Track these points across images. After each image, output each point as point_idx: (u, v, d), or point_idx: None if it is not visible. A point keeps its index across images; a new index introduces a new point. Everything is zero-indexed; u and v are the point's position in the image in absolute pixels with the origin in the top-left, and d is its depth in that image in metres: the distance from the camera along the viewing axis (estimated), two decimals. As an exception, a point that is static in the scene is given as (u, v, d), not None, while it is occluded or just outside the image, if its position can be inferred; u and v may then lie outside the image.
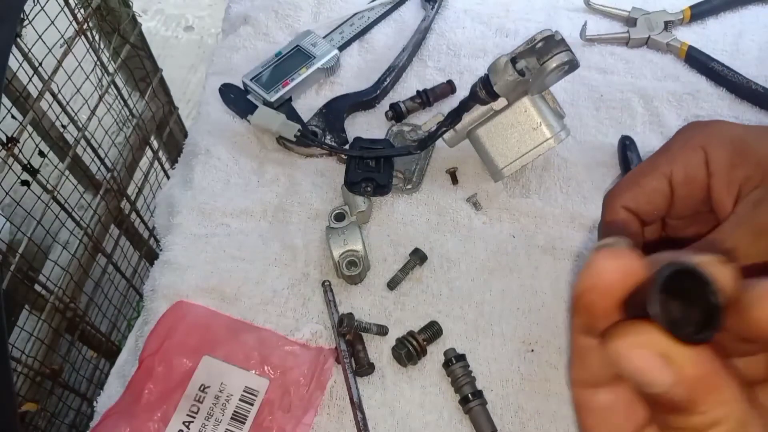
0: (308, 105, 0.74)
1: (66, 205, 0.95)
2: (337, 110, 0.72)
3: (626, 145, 0.67)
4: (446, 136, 0.64)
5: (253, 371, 0.57)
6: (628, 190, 0.44)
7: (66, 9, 0.88)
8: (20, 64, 0.85)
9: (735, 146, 0.41)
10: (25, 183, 0.86)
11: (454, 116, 0.62)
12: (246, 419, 0.54)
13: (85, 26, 0.91)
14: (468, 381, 0.54)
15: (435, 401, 0.55)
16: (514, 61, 0.56)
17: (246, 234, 0.65)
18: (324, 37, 0.77)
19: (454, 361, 0.55)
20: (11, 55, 0.66)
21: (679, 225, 0.46)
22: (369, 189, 0.64)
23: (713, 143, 0.41)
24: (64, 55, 0.87)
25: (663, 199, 0.43)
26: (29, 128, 0.87)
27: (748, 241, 0.37)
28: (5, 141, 0.79)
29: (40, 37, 0.82)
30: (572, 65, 0.58)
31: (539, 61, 0.56)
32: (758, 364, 0.24)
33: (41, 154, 0.93)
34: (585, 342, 0.24)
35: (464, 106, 0.61)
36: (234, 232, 0.65)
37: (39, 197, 0.89)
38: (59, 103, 0.93)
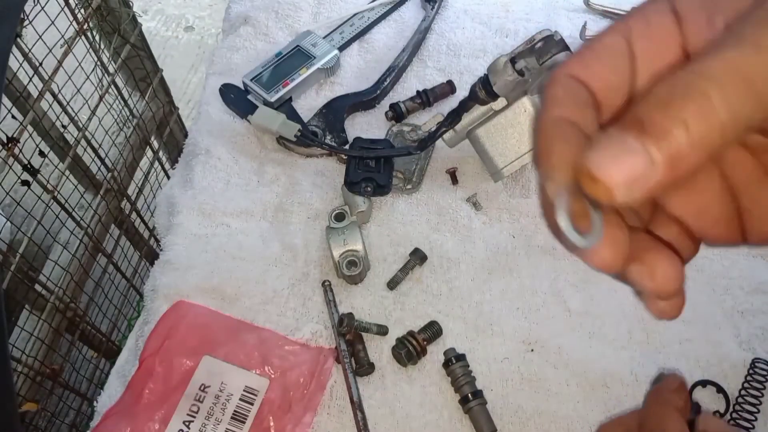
0: (308, 105, 0.74)
1: (66, 205, 0.95)
2: (337, 110, 0.72)
3: (626, 145, 0.67)
4: (446, 136, 0.64)
5: (254, 371, 0.57)
6: (577, 55, 0.30)
7: (66, 9, 0.88)
8: (20, 64, 0.85)
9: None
10: (25, 183, 0.86)
11: (454, 116, 0.62)
12: (246, 419, 0.55)
13: (85, 26, 0.91)
14: (468, 381, 0.54)
15: (435, 401, 0.55)
16: (513, 61, 0.56)
17: (246, 234, 0.65)
18: (324, 38, 0.77)
19: (454, 361, 0.55)
20: (11, 55, 0.66)
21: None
22: (369, 189, 0.64)
23: None
24: (65, 55, 0.87)
25: (621, 60, 0.27)
26: (29, 128, 0.87)
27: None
28: (5, 141, 0.79)
29: (40, 37, 0.82)
30: (572, 65, 0.58)
31: (539, 61, 0.56)
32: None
33: (41, 154, 0.93)
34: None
35: (464, 106, 0.61)
36: (234, 232, 0.65)
37: (39, 197, 0.89)
38: (59, 103, 0.93)
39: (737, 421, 0.52)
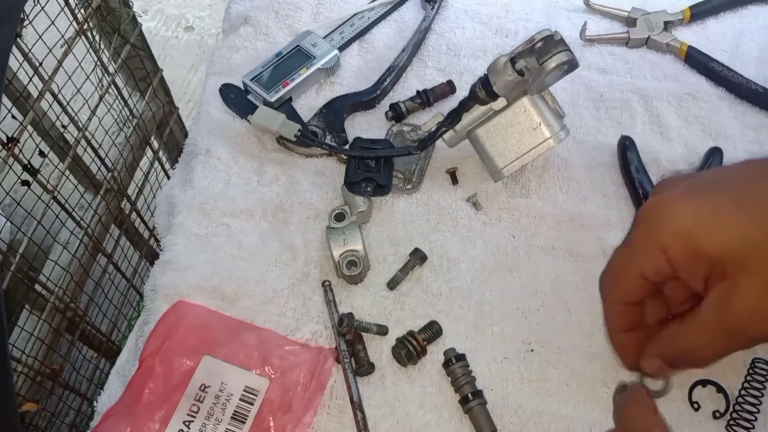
0: (308, 105, 0.74)
1: (66, 205, 0.95)
2: (337, 110, 0.72)
3: (626, 146, 0.67)
4: (446, 136, 0.64)
5: (254, 371, 0.57)
6: (613, 292, 0.49)
7: (66, 9, 0.88)
8: (20, 64, 0.85)
9: (688, 246, 0.42)
10: (25, 183, 0.86)
11: (454, 116, 0.62)
12: (246, 419, 0.55)
13: (85, 26, 0.92)
14: (468, 381, 0.54)
15: (435, 401, 0.55)
16: (513, 61, 0.56)
17: (246, 234, 0.65)
18: (324, 38, 0.77)
19: (454, 361, 0.55)
20: (11, 55, 0.66)
21: (674, 297, 0.50)
22: (369, 189, 0.64)
23: (669, 245, 0.43)
24: (65, 55, 0.87)
25: (646, 290, 0.47)
26: (29, 128, 0.87)
27: (709, 343, 0.44)
28: (5, 141, 0.79)
29: (40, 37, 0.82)
30: (571, 65, 0.58)
31: (538, 61, 0.56)
32: None
33: (41, 154, 0.93)
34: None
35: (464, 106, 0.61)
36: (234, 232, 0.65)
37: (39, 197, 0.89)
38: (59, 103, 0.93)
39: (737, 421, 0.52)
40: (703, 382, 0.55)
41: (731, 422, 0.53)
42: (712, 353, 0.44)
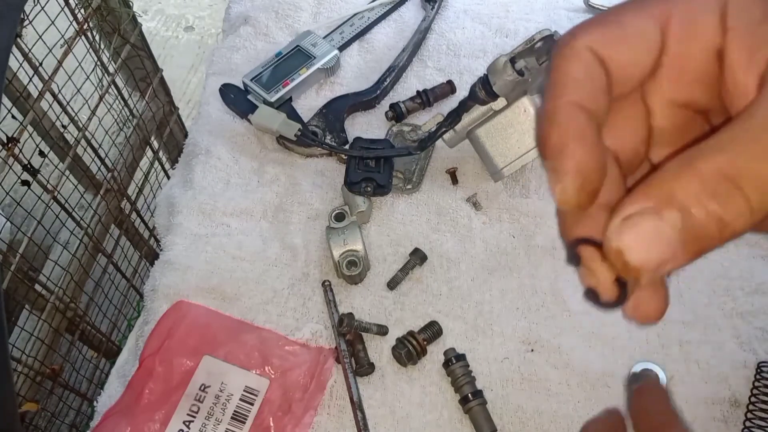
0: (308, 105, 0.74)
1: (66, 205, 0.95)
2: (337, 110, 0.72)
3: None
4: (446, 136, 0.64)
5: (254, 371, 0.57)
6: (602, 28, 0.25)
7: (66, 9, 0.88)
8: (20, 64, 0.85)
9: None
10: (25, 183, 0.86)
11: (454, 116, 0.62)
12: (246, 419, 0.55)
13: (85, 26, 0.91)
14: (468, 381, 0.54)
15: (435, 401, 0.55)
16: (513, 61, 0.56)
17: (246, 234, 0.65)
18: (324, 38, 0.77)
19: (454, 361, 0.55)
20: (11, 55, 0.66)
21: (659, 137, 0.28)
22: (369, 189, 0.64)
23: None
24: (65, 55, 0.87)
25: (649, 51, 0.25)
26: (29, 128, 0.87)
27: None
28: (5, 141, 0.79)
29: (40, 37, 0.82)
30: (572, 65, 0.57)
31: (538, 60, 0.56)
32: None
33: (41, 154, 0.93)
34: None
35: (464, 107, 0.61)
36: (234, 232, 0.65)
37: (39, 197, 0.89)
38: (59, 103, 0.93)
39: (751, 429, 0.52)
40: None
41: (745, 430, 0.52)
42: None
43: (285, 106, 0.72)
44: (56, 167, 0.93)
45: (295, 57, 0.75)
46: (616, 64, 0.24)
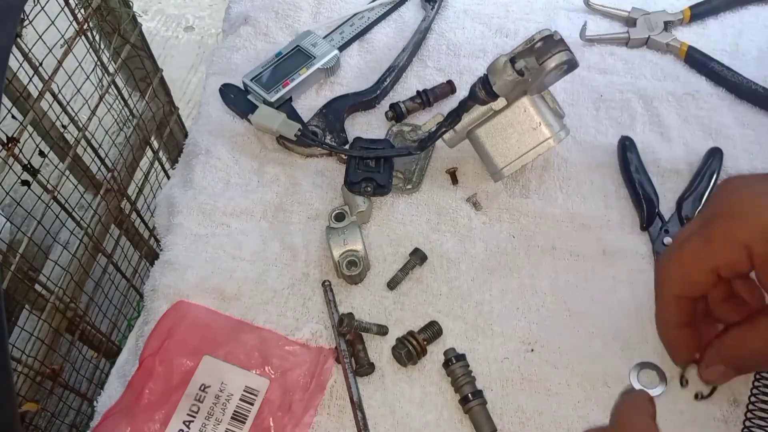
0: (308, 105, 0.74)
1: (66, 205, 0.95)
2: (337, 110, 0.72)
3: (626, 146, 0.67)
4: (446, 136, 0.64)
5: (254, 371, 0.57)
6: (679, 282, 0.48)
7: (66, 9, 0.88)
8: (20, 64, 0.85)
9: None
10: (25, 183, 0.86)
11: (454, 116, 0.62)
12: (246, 419, 0.55)
13: (85, 26, 0.92)
14: (468, 381, 0.54)
15: (435, 401, 0.55)
16: (513, 61, 0.56)
17: (246, 234, 0.65)
18: (324, 38, 0.77)
19: (454, 361, 0.55)
20: (11, 55, 0.66)
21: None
22: (369, 189, 0.64)
23: (755, 240, 0.43)
24: (65, 55, 0.87)
25: (709, 287, 0.47)
26: (29, 128, 0.87)
27: None
28: (5, 141, 0.79)
29: (40, 37, 0.82)
30: (571, 65, 0.58)
31: (538, 60, 0.56)
32: None
33: (41, 154, 0.93)
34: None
35: (464, 107, 0.61)
36: (234, 232, 0.65)
37: (39, 197, 0.89)
38: (59, 103, 0.93)
39: (751, 429, 0.52)
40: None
41: (745, 430, 0.52)
42: None
43: (285, 106, 0.72)
44: (56, 167, 0.93)
45: (295, 57, 0.75)
46: (691, 296, 0.50)
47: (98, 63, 0.98)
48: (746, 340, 0.47)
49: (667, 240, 0.62)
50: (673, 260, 0.48)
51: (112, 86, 1.02)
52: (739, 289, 0.49)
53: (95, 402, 0.59)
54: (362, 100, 0.73)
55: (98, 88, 0.99)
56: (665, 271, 0.49)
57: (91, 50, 0.96)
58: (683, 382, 0.54)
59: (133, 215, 1.20)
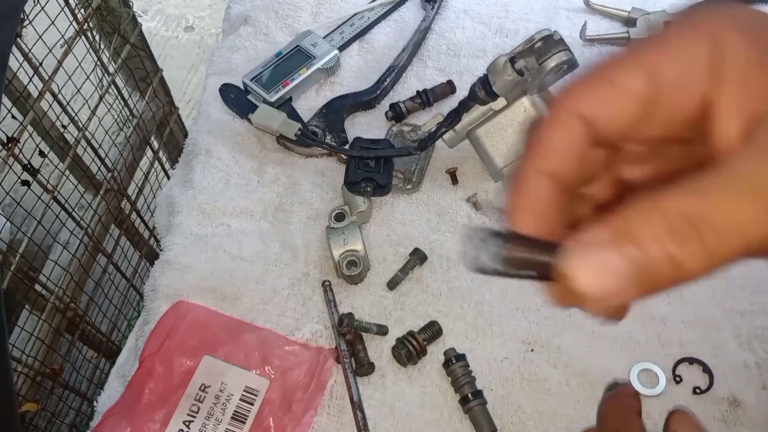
0: (308, 105, 0.74)
1: (66, 205, 0.95)
2: (337, 110, 0.72)
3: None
4: (446, 136, 0.64)
5: (254, 371, 0.57)
6: (592, 87, 0.26)
7: (66, 9, 0.88)
8: (20, 64, 0.85)
9: (764, 40, 0.23)
10: (25, 183, 0.86)
11: (454, 116, 0.62)
12: (246, 419, 0.55)
13: (85, 26, 0.92)
14: (468, 381, 0.54)
15: (435, 401, 0.55)
16: (513, 60, 0.56)
17: (246, 234, 0.65)
18: (324, 38, 0.77)
19: (454, 361, 0.55)
20: (11, 55, 0.66)
21: (634, 156, 0.29)
22: (369, 189, 0.64)
23: (729, 34, 0.24)
24: (65, 55, 0.87)
25: (637, 110, 0.25)
26: (29, 128, 0.87)
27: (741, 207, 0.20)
28: (5, 141, 0.79)
29: (40, 37, 0.82)
30: (571, 65, 0.58)
31: (538, 60, 0.56)
32: None
33: (41, 154, 0.93)
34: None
35: (464, 107, 0.61)
36: (234, 232, 0.65)
37: (39, 197, 0.89)
38: (59, 103, 0.93)
39: None
40: (690, 360, 0.55)
41: None
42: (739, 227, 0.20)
43: (285, 106, 0.72)
44: (56, 167, 0.93)
45: (295, 57, 0.75)
46: (603, 124, 0.25)
47: (98, 63, 0.98)
48: (675, 201, 0.21)
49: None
50: (593, 68, 0.27)
51: (112, 86, 1.02)
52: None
53: (95, 402, 0.59)
54: (362, 100, 0.73)
55: (98, 88, 0.99)
56: (580, 81, 0.27)
57: (91, 50, 0.96)
58: (676, 378, 0.54)
59: (133, 215, 1.20)
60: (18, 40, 0.81)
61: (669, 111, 0.25)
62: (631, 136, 0.26)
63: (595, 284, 0.20)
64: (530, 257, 0.22)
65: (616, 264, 0.20)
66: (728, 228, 0.20)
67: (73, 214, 0.97)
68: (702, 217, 0.20)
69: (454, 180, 0.68)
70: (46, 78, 0.86)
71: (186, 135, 0.76)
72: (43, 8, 0.81)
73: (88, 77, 0.96)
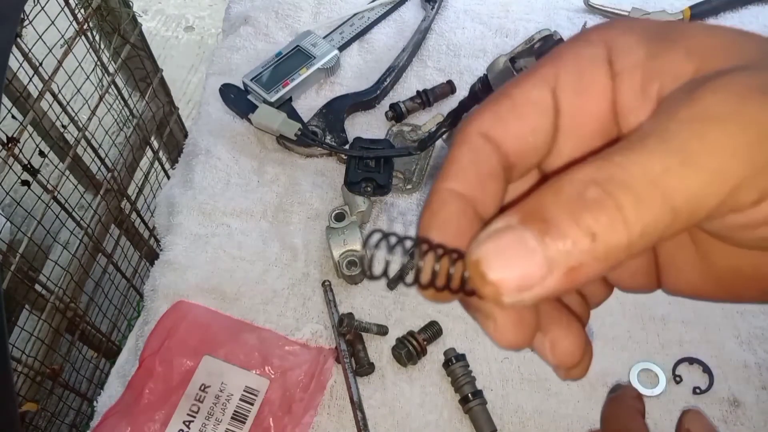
0: (308, 105, 0.74)
1: (66, 205, 0.95)
2: (337, 110, 0.72)
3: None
4: (446, 136, 0.64)
5: (254, 371, 0.57)
6: (492, 107, 0.24)
7: (66, 9, 0.88)
8: (20, 64, 0.85)
9: (652, 33, 0.23)
10: (25, 183, 0.86)
11: (454, 116, 0.62)
12: (246, 419, 0.55)
13: (85, 26, 0.92)
14: (468, 381, 0.54)
15: (435, 401, 0.55)
16: (513, 60, 0.56)
17: (246, 234, 0.65)
18: (324, 38, 0.77)
19: (454, 361, 0.55)
20: (11, 55, 0.66)
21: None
22: (369, 189, 0.64)
23: (619, 35, 0.23)
24: (65, 55, 0.87)
25: (543, 118, 0.24)
26: (29, 128, 0.87)
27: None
28: (5, 141, 0.79)
29: (40, 37, 0.82)
30: (572, 65, 0.58)
31: (538, 60, 0.56)
32: None
33: (41, 154, 0.93)
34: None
35: (464, 106, 0.61)
36: (234, 232, 0.65)
37: (39, 197, 0.89)
38: (59, 103, 0.93)
39: None
40: (690, 360, 0.55)
41: None
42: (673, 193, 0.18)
43: (285, 106, 0.72)
44: (56, 167, 0.93)
45: (295, 57, 0.75)
46: (512, 142, 0.23)
47: (98, 63, 0.98)
48: (629, 163, 0.19)
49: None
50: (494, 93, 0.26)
51: (112, 86, 1.02)
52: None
53: (95, 402, 0.59)
54: (362, 100, 0.73)
55: (98, 88, 0.99)
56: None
57: (91, 50, 0.96)
58: (676, 378, 0.54)
59: (133, 215, 1.20)
60: (18, 40, 0.81)
61: (577, 120, 0.24)
62: (543, 155, 0.24)
63: (509, 273, 0.18)
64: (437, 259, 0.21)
65: (528, 245, 0.18)
66: (644, 188, 0.17)
67: (73, 214, 0.97)
68: (611, 179, 0.18)
69: (454, 180, 0.67)
70: (46, 78, 0.86)
71: (186, 135, 0.76)
72: (43, 8, 0.81)
73: (88, 77, 0.96)
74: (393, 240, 0.22)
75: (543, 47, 0.56)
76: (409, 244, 0.22)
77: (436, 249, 0.21)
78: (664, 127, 0.19)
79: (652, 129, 0.19)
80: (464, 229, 0.22)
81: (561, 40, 0.56)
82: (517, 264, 0.18)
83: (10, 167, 0.81)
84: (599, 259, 0.18)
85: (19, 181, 0.85)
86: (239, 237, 0.65)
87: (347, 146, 0.69)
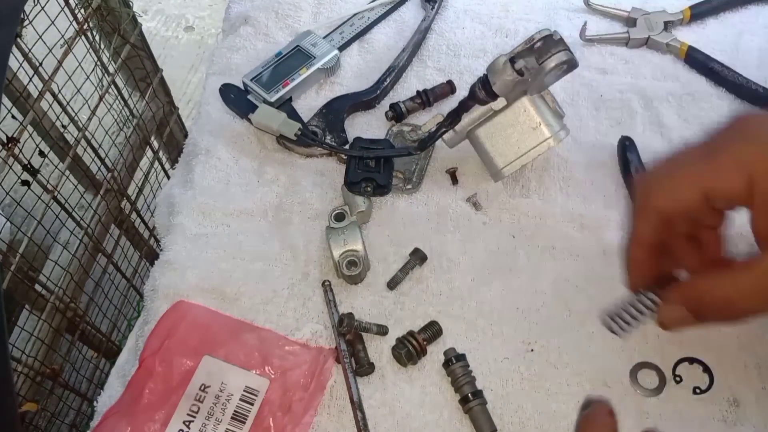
0: (308, 105, 0.74)
1: (66, 205, 0.95)
2: (337, 110, 0.72)
3: (626, 146, 0.67)
4: (446, 136, 0.64)
5: (254, 371, 0.57)
6: (662, 198, 0.44)
7: (66, 9, 0.88)
8: (20, 64, 0.85)
9: None
10: (25, 183, 0.86)
11: (454, 116, 0.62)
12: (246, 419, 0.55)
13: (85, 26, 0.92)
14: (468, 381, 0.54)
15: (435, 401, 0.55)
16: (512, 60, 0.56)
17: (246, 234, 0.65)
18: (324, 38, 0.77)
19: (454, 361, 0.55)
20: (11, 55, 0.66)
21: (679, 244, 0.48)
22: (369, 189, 0.64)
23: (761, 170, 0.38)
24: (65, 55, 0.88)
25: (694, 211, 0.43)
26: (29, 128, 0.87)
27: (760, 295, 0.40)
28: (5, 141, 0.79)
29: (40, 37, 0.82)
30: (571, 65, 0.58)
31: (538, 60, 0.56)
32: None
33: (41, 154, 0.93)
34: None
35: (464, 107, 0.61)
36: (234, 232, 0.65)
37: (39, 197, 0.89)
38: (59, 103, 0.93)
39: None
40: (690, 360, 0.55)
41: None
42: (756, 305, 0.41)
43: (285, 106, 0.72)
44: (56, 167, 0.93)
45: (295, 57, 0.75)
46: (674, 219, 0.45)
47: (98, 63, 0.98)
48: (715, 286, 0.43)
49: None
50: (667, 171, 0.45)
51: (112, 86, 1.02)
52: (705, 236, 0.47)
53: (95, 402, 0.59)
54: (362, 100, 0.73)
55: (98, 88, 0.99)
56: (655, 182, 0.45)
57: (91, 50, 0.96)
58: (676, 378, 0.54)
59: (133, 215, 1.20)
60: (18, 40, 0.81)
61: (715, 214, 0.44)
62: (693, 219, 0.45)
63: (668, 320, 0.47)
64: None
65: (678, 312, 0.45)
66: (738, 301, 0.42)
67: (73, 214, 0.97)
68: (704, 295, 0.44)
69: (454, 180, 0.68)
70: (46, 78, 0.86)
71: (186, 135, 0.76)
72: (43, 8, 0.81)
73: (88, 77, 0.96)
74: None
75: (543, 47, 0.56)
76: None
77: None
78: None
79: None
80: (652, 264, 0.49)
81: (561, 40, 0.56)
82: (671, 319, 0.47)
83: (10, 167, 0.81)
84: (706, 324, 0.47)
85: (19, 181, 0.85)
86: (239, 237, 0.65)
87: (347, 146, 0.69)
